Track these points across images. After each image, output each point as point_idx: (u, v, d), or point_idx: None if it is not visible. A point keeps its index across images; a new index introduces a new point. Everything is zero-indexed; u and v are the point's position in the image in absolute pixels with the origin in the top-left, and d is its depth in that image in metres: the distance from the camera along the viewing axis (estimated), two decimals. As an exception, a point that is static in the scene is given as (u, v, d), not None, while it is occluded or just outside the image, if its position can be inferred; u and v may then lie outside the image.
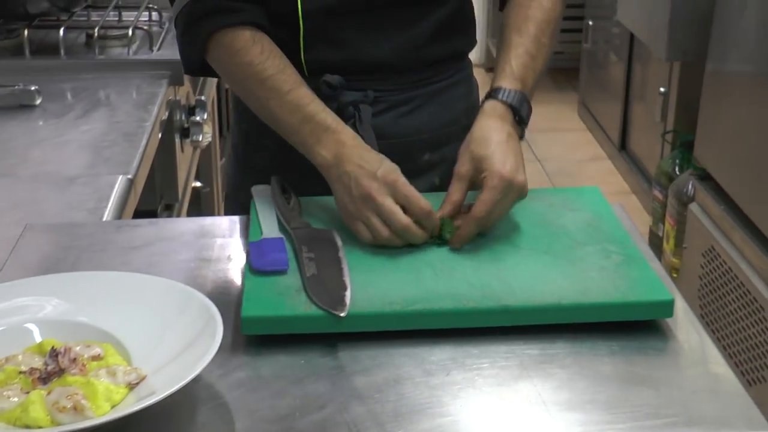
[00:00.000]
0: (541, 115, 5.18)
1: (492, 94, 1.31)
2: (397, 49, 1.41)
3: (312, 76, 1.39)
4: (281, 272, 1.14)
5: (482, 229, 1.22)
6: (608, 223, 1.26)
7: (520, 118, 1.30)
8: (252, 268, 1.14)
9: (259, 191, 1.34)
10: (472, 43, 1.53)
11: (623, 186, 4.07)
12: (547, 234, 1.23)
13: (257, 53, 1.32)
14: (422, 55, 1.43)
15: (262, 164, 1.46)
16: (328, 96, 1.39)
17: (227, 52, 1.33)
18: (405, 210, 1.20)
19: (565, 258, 1.17)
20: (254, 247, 1.19)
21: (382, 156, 1.26)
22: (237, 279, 1.20)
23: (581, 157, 4.42)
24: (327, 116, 1.30)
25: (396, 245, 1.20)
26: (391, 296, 1.09)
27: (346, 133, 1.28)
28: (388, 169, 1.22)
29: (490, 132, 1.26)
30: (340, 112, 1.39)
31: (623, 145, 4.18)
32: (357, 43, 1.40)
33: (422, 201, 1.20)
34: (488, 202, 1.20)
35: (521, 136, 1.31)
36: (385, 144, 1.36)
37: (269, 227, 1.24)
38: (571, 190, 1.36)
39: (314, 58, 1.40)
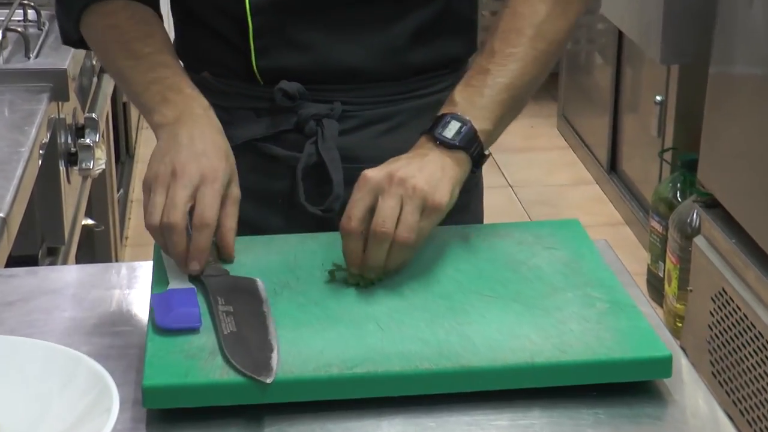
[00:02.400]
0: (512, 131, 5.20)
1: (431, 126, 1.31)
2: (370, 53, 1.43)
3: (267, 85, 1.42)
4: (192, 330, 1.14)
5: (392, 261, 1.22)
6: (591, 264, 1.28)
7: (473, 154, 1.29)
8: (156, 326, 1.14)
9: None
10: (471, 48, 1.53)
11: (614, 216, 4.12)
12: (517, 278, 1.25)
13: (125, 18, 1.42)
14: (402, 60, 1.45)
15: None
16: (285, 108, 1.41)
17: (96, 17, 1.44)
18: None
19: (539, 307, 1.19)
20: (159, 301, 1.19)
21: (227, 150, 1.29)
22: (138, 340, 1.20)
23: (562, 181, 4.47)
24: (185, 83, 1.36)
25: (159, 241, 1.24)
26: (328, 357, 1.09)
27: (201, 102, 1.34)
28: (217, 166, 1.25)
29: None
30: (299, 128, 1.40)
31: (613, 167, 4.23)
32: (320, 45, 1.42)
33: (209, 212, 1.22)
34: (351, 202, 1.22)
35: (475, 165, 1.31)
36: (355, 169, 1.31)
37: (177, 276, 1.25)
38: (545, 224, 1.39)
39: (269, 63, 1.42)
